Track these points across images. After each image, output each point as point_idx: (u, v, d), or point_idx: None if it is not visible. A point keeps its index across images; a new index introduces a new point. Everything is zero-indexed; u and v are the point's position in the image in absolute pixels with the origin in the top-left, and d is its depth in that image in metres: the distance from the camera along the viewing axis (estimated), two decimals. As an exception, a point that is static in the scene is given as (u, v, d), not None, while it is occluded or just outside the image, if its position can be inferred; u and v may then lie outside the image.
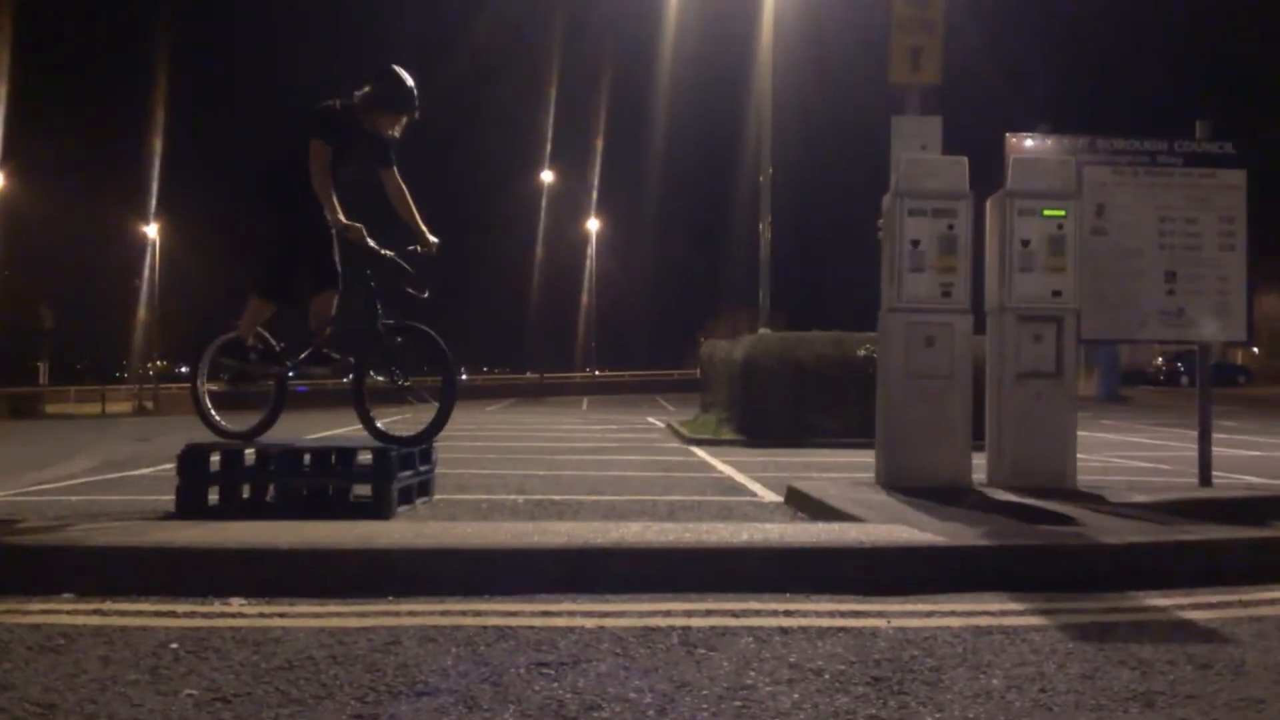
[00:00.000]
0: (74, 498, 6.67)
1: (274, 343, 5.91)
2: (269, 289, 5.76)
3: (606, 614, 3.62)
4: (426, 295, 5.72)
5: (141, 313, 53.45)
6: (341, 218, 5.41)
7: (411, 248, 5.73)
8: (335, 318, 5.78)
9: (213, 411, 5.95)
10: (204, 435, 5.84)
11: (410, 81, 5.55)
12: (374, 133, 5.60)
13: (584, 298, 61.62)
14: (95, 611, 3.62)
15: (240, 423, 6.00)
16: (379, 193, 5.81)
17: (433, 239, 5.74)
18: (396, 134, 5.70)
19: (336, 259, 5.67)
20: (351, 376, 5.81)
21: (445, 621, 3.50)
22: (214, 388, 6.09)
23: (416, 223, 5.75)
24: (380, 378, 5.82)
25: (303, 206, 5.46)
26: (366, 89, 5.54)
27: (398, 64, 5.56)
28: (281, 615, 3.59)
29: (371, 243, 5.52)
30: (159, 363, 57.36)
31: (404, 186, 5.76)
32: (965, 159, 6.46)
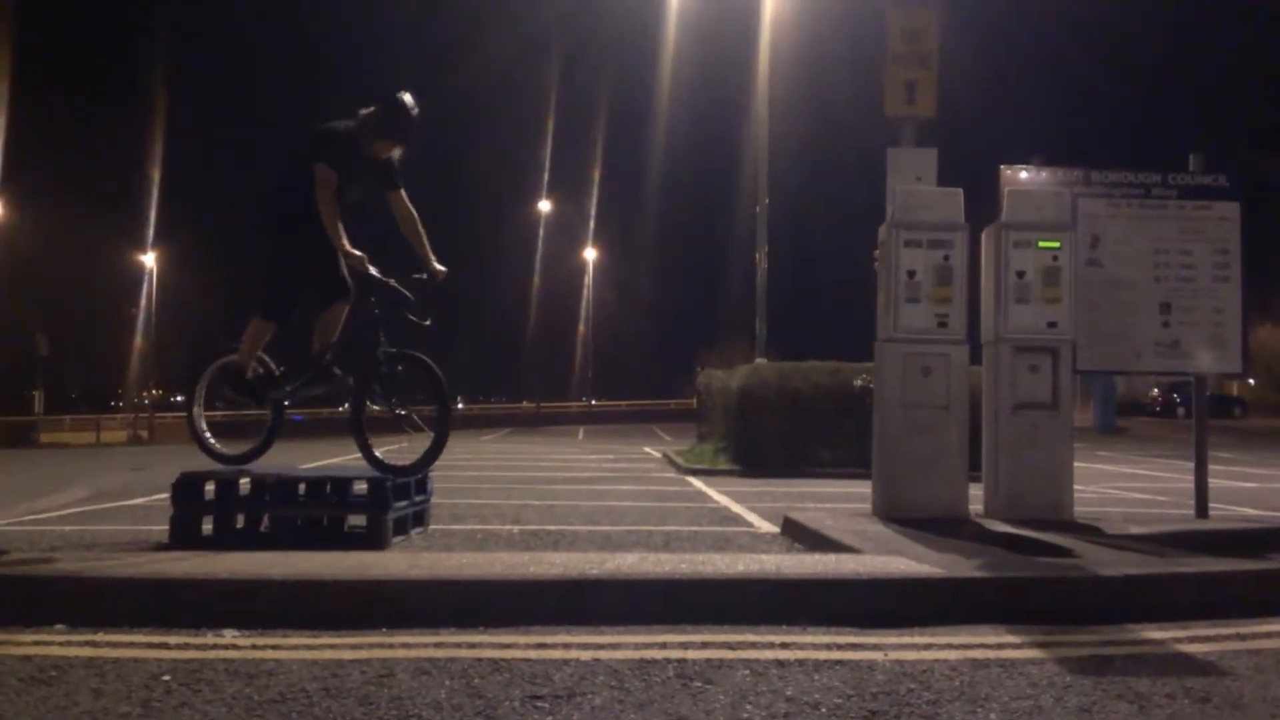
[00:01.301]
0: (67, 528, 6.64)
1: (274, 366, 5.87)
2: (271, 308, 5.70)
3: (602, 646, 3.60)
4: (429, 323, 5.69)
5: (138, 341, 53.39)
6: (346, 244, 5.40)
7: (417, 275, 5.67)
8: (336, 342, 5.74)
9: (208, 435, 5.90)
10: (198, 465, 5.81)
11: (415, 112, 5.50)
12: (373, 156, 5.57)
13: (581, 327, 61.62)
14: (87, 643, 3.60)
15: (236, 448, 5.98)
16: (384, 218, 5.77)
17: (440, 267, 5.69)
18: (394, 157, 5.65)
19: (344, 271, 5.62)
20: (350, 404, 5.78)
21: (440, 654, 3.48)
22: (211, 413, 6.05)
23: (425, 249, 5.69)
24: (376, 406, 5.79)
25: (304, 225, 5.43)
26: (371, 110, 5.50)
27: (404, 91, 5.51)
28: (275, 647, 3.57)
29: (374, 270, 5.50)
30: (154, 391, 57.26)
31: (413, 210, 5.71)
32: (960, 191, 6.50)
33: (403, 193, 5.70)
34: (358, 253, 5.43)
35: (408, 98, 5.49)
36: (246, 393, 5.81)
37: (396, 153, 5.64)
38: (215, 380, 5.91)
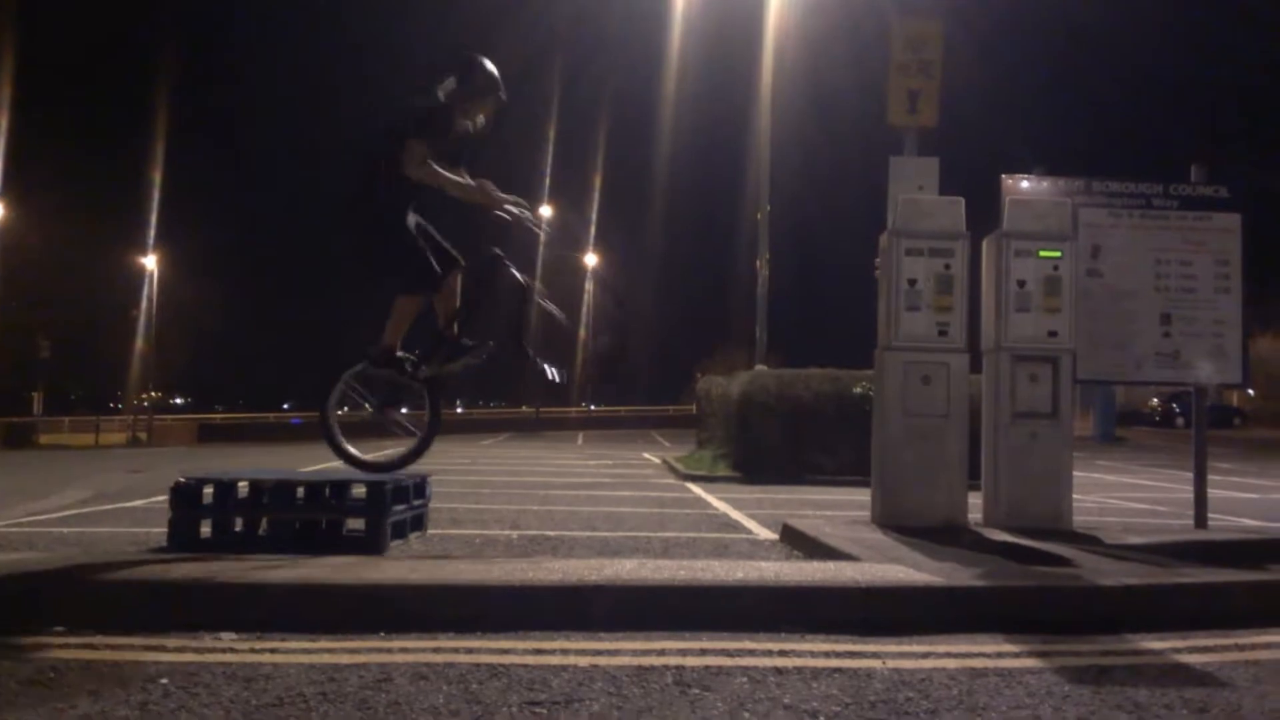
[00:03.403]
0: (66, 530, 6.63)
1: (409, 354, 5.61)
2: (416, 280, 5.41)
3: (600, 652, 3.60)
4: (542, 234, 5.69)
5: (138, 343, 53.30)
6: (469, 180, 5.31)
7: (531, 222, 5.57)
8: (460, 311, 5.60)
9: (346, 444, 5.65)
10: (196, 468, 5.80)
11: (493, 66, 5.38)
12: (465, 124, 5.41)
13: (581, 332, 61.50)
14: (85, 645, 3.60)
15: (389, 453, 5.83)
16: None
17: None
18: (485, 121, 5.51)
19: (446, 243, 5.52)
20: (510, 329, 5.55)
21: (437, 659, 3.47)
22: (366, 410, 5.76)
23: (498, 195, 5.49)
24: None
25: (400, 201, 5.31)
26: (452, 81, 5.32)
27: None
28: (272, 651, 3.56)
29: (503, 204, 5.40)
30: (153, 393, 57.19)
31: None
32: (962, 199, 6.50)
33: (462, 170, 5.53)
34: (483, 181, 5.37)
35: (481, 56, 5.38)
36: (404, 378, 5.57)
37: (492, 110, 5.51)
38: (365, 378, 5.64)
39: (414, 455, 5.72)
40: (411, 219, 5.40)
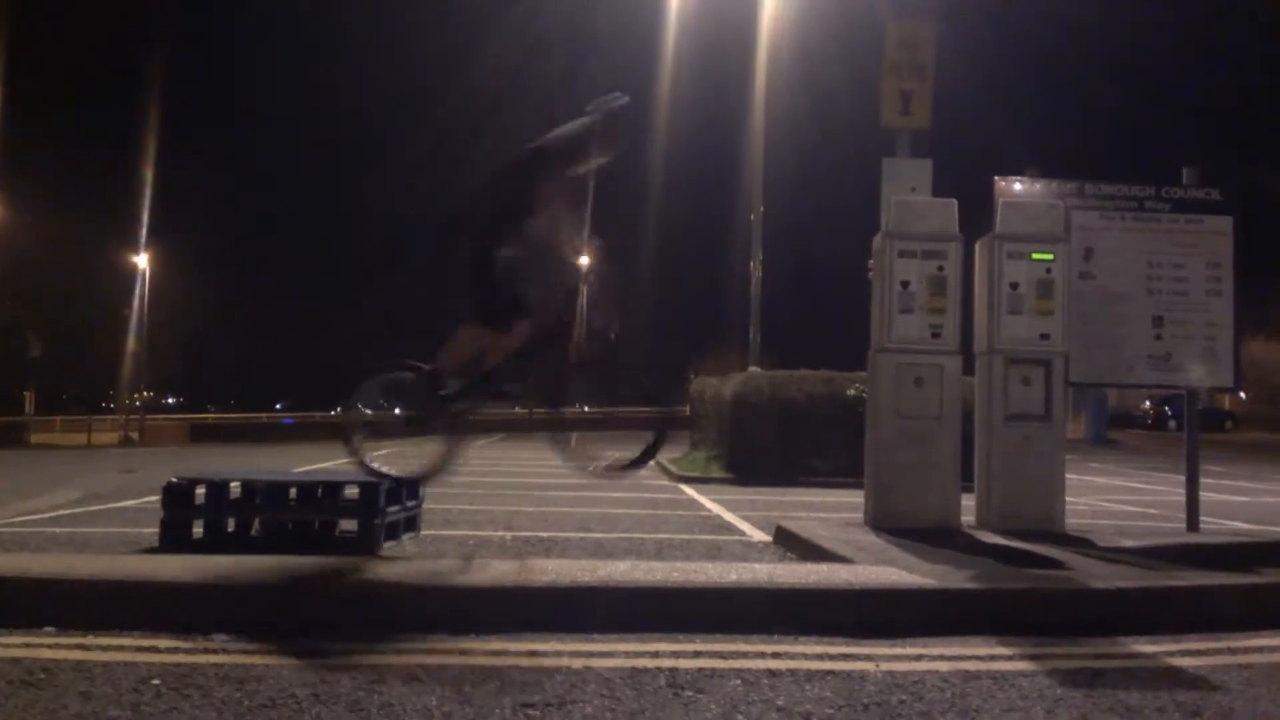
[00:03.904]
0: (58, 529, 6.62)
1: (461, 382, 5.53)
2: (495, 313, 5.32)
3: (593, 654, 3.59)
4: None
5: (130, 342, 53.11)
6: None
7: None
8: (505, 357, 5.49)
9: (363, 451, 5.50)
10: (181, 467, 5.77)
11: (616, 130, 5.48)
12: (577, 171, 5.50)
13: (574, 332, 61.31)
14: (77, 646, 3.58)
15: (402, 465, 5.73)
16: None
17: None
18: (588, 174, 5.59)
19: (526, 286, 5.44)
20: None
21: (430, 660, 3.47)
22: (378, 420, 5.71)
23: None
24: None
25: (504, 236, 5.28)
26: (582, 122, 5.42)
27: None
28: (265, 652, 3.55)
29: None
30: (146, 393, 57.02)
31: None
32: (954, 201, 6.51)
33: None
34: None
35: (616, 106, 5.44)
36: (434, 399, 5.42)
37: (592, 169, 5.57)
38: (395, 392, 5.58)
39: (424, 476, 5.69)
40: (501, 254, 5.31)
